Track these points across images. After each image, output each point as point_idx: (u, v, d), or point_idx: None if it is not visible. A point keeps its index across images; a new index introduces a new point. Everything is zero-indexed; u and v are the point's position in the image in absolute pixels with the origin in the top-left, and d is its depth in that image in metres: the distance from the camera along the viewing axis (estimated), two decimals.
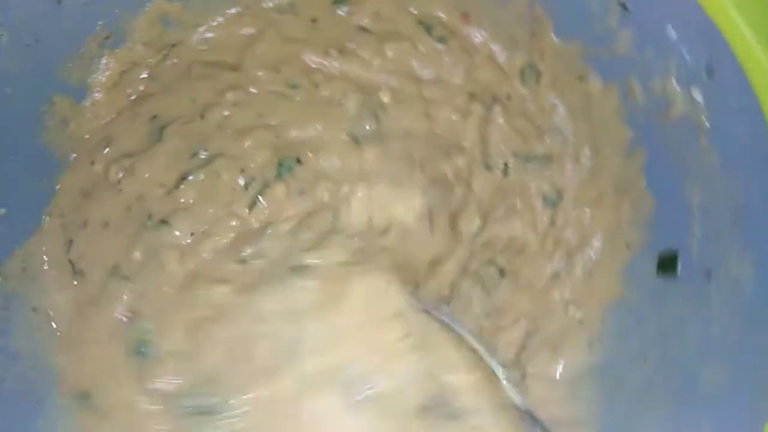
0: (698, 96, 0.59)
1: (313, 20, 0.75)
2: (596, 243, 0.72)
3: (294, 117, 0.70)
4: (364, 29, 0.75)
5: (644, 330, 0.67)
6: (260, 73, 0.72)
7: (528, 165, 0.74)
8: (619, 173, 0.69)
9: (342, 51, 0.73)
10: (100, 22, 0.68)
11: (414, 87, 0.73)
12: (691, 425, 0.60)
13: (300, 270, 0.65)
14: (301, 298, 0.64)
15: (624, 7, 0.61)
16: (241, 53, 0.74)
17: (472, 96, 0.74)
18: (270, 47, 0.73)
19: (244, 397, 0.62)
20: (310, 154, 0.69)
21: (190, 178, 0.67)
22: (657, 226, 0.66)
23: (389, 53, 0.74)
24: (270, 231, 0.67)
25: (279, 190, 0.67)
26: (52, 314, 0.67)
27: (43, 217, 0.69)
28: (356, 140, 0.70)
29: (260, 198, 0.67)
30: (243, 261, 0.66)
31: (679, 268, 0.64)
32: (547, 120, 0.74)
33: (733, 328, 0.59)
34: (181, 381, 0.63)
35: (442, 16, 0.75)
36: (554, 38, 0.70)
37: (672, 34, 0.59)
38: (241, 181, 0.67)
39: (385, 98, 0.72)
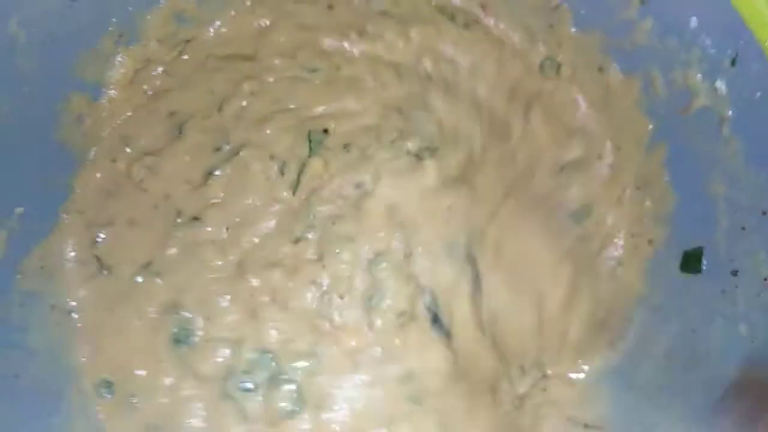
0: (722, 86, 0.58)
1: (330, 6, 0.74)
2: (619, 241, 0.71)
3: (315, 97, 0.70)
4: (384, 13, 0.74)
5: (669, 329, 0.66)
6: (276, 62, 0.72)
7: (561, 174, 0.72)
8: (640, 169, 0.68)
9: (362, 33, 0.73)
10: (114, 20, 0.68)
11: (451, 70, 0.73)
12: (718, 426, 0.58)
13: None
14: None
15: None
16: (255, 43, 0.74)
17: (512, 92, 0.73)
18: (285, 35, 0.74)
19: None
20: (333, 124, 0.69)
21: (217, 173, 0.68)
22: (680, 222, 0.65)
23: (414, 36, 0.73)
24: (314, 205, 0.67)
25: (316, 164, 0.68)
26: (74, 306, 0.68)
27: (60, 215, 0.69)
28: (399, 110, 0.70)
29: (301, 178, 0.68)
30: (297, 240, 0.67)
31: (704, 265, 0.62)
32: (572, 118, 0.72)
33: (761, 326, 0.57)
34: (229, 363, 0.65)
35: (461, 4, 0.74)
36: (572, 29, 0.68)
37: (694, 23, 0.58)
38: (275, 167, 0.68)
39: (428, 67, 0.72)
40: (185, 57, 0.74)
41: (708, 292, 0.61)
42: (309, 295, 0.66)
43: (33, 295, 0.66)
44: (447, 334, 0.65)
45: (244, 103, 0.71)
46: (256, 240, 0.67)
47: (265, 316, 0.66)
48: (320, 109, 0.70)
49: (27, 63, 0.62)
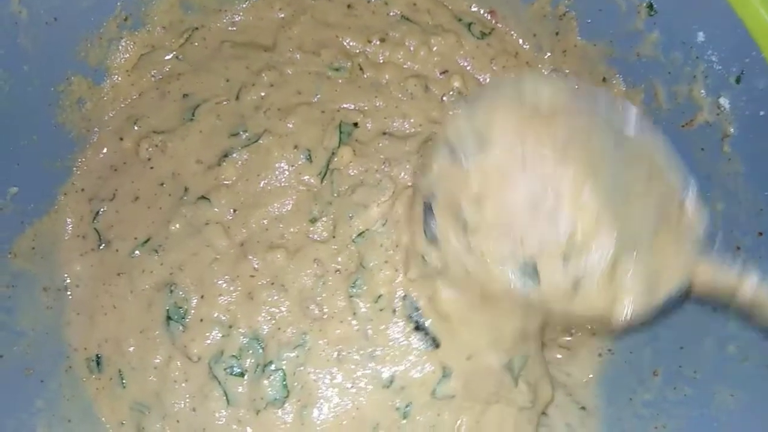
0: (726, 103, 0.57)
1: (349, 6, 0.75)
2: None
3: (341, 95, 0.71)
4: (406, 18, 0.75)
5: (657, 343, 0.66)
6: (297, 55, 0.73)
7: None
8: None
9: (384, 39, 0.73)
10: (119, 3, 0.68)
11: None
12: None
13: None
14: None
15: (651, 7, 0.59)
16: (274, 35, 0.74)
17: None
18: (305, 30, 0.74)
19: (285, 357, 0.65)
20: (362, 118, 0.70)
21: (235, 155, 0.69)
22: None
23: (435, 46, 0.73)
24: (336, 184, 0.68)
25: (345, 153, 0.68)
26: (68, 282, 0.68)
27: (57, 196, 0.69)
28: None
29: (330, 165, 0.68)
30: (314, 219, 0.67)
31: None
32: None
33: (752, 348, 0.57)
34: (219, 345, 0.65)
35: (474, 9, 0.75)
36: (578, 38, 0.68)
37: (701, 38, 0.57)
38: (300, 155, 0.68)
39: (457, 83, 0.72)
40: (195, 44, 0.74)
41: (699, 310, 0.61)
42: (305, 278, 0.66)
43: (24, 276, 0.65)
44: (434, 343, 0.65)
45: (263, 94, 0.71)
46: (265, 222, 0.68)
47: (262, 298, 0.66)
48: (347, 105, 0.71)
49: (29, 42, 0.62)
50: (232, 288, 0.66)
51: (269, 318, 0.65)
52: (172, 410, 0.65)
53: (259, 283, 0.66)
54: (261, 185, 0.68)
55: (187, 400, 0.65)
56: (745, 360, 0.57)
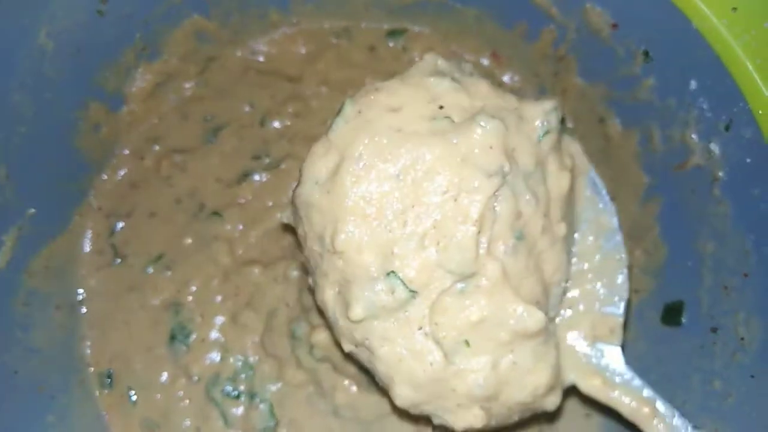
0: (716, 148, 0.59)
1: (371, 48, 0.78)
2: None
3: None
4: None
5: (646, 377, 0.67)
6: (323, 89, 0.76)
7: None
8: (634, 221, 0.69)
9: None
10: (138, 34, 0.71)
11: None
12: None
13: None
14: None
15: (647, 54, 0.62)
16: (300, 67, 0.78)
17: None
18: (330, 66, 0.77)
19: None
20: None
21: (256, 177, 0.72)
22: (666, 275, 0.66)
23: None
24: None
25: None
26: (83, 297, 0.71)
27: (73, 218, 0.72)
28: None
29: None
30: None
31: (683, 319, 0.64)
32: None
33: (736, 385, 0.59)
34: (217, 367, 0.68)
35: (473, 57, 0.77)
36: (577, 79, 0.71)
37: (694, 85, 0.59)
38: None
39: None
40: (215, 71, 0.77)
41: (687, 346, 0.63)
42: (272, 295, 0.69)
43: (38, 295, 0.68)
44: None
45: (288, 123, 0.75)
46: (259, 235, 0.71)
47: (242, 321, 0.69)
48: None
49: (53, 71, 0.65)
50: (224, 308, 0.69)
51: (252, 345, 0.69)
52: (179, 429, 0.67)
53: (241, 303, 0.69)
54: (269, 204, 0.72)
55: (192, 420, 0.67)
56: (730, 396, 0.59)
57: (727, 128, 0.58)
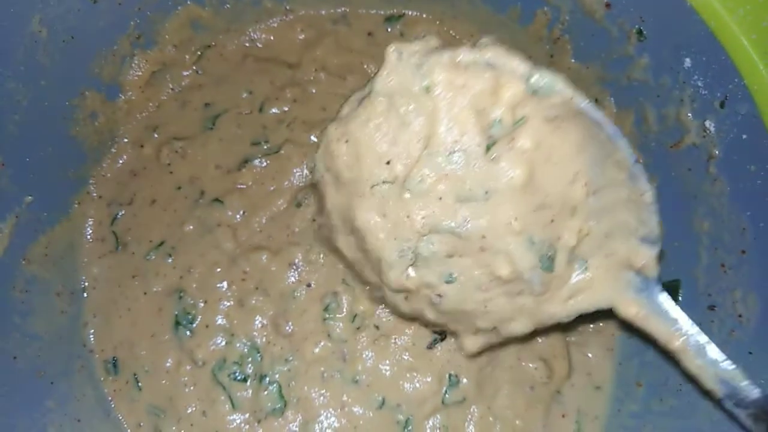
0: (711, 126, 0.59)
1: (369, 34, 0.79)
2: None
3: None
4: None
5: (643, 357, 0.67)
6: (322, 75, 0.76)
7: None
8: None
9: None
10: (132, 23, 0.71)
11: None
12: None
13: None
14: None
15: (641, 33, 0.62)
16: (298, 53, 0.78)
17: None
18: (329, 52, 0.78)
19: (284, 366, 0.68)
20: None
21: (256, 162, 0.73)
22: (663, 255, 0.66)
23: None
24: None
25: None
26: (86, 284, 0.72)
27: (72, 206, 0.72)
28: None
29: None
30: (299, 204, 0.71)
31: (680, 298, 0.64)
32: None
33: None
34: (223, 352, 0.68)
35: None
36: (572, 60, 0.70)
37: (688, 63, 0.59)
38: None
39: None
40: (211, 59, 0.78)
41: None
42: (286, 279, 0.69)
43: (38, 282, 0.68)
44: None
45: (287, 108, 0.75)
46: (264, 221, 0.71)
47: (250, 305, 0.69)
48: None
49: (47, 59, 0.65)
50: (229, 293, 0.70)
51: (261, 327, 0.69)
52: (185, 414, 0.67)
53: (247, 287, 0.69)
54: (271, 189, 0.72)
55: (198, 405, 0.68)
56: None
57: (722, 105, 0.58)
